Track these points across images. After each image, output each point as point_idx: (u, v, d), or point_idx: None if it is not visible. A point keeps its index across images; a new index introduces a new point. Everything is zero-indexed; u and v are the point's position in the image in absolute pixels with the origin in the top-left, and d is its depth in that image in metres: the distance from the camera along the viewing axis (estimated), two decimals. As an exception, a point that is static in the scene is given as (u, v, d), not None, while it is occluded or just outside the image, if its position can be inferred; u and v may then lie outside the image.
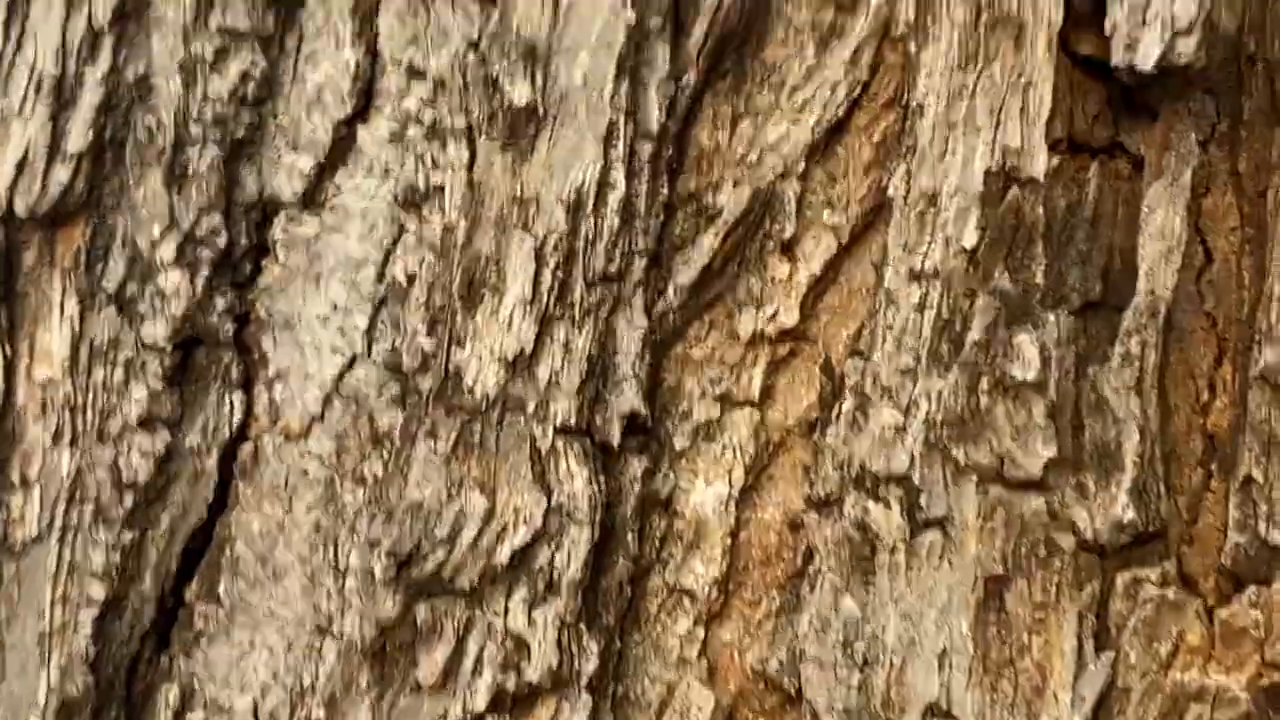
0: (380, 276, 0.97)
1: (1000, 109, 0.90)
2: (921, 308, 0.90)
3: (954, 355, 0.90)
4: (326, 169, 0.99)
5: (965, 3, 0.92)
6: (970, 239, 0.90)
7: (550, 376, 0.93)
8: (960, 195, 0.90)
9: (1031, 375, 0.89)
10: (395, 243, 0.98)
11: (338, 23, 1.00)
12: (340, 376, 0.97)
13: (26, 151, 0.99)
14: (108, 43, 1.00)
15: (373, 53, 0.99)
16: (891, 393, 0.90)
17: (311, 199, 0.99)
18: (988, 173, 0.90)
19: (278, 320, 0.99)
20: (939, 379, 0.90)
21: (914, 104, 0.92)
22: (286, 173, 1.00)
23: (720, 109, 0.97)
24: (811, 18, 0.97)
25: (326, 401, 0.97)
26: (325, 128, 0.99)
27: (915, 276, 0.91)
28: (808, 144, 0.95)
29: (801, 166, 0.95)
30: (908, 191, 0.92)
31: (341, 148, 0.99)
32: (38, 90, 1.00)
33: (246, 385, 0.99)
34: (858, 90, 0.95)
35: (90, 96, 1.00)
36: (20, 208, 0.99)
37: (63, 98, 1.00)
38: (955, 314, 0.90)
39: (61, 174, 0.99)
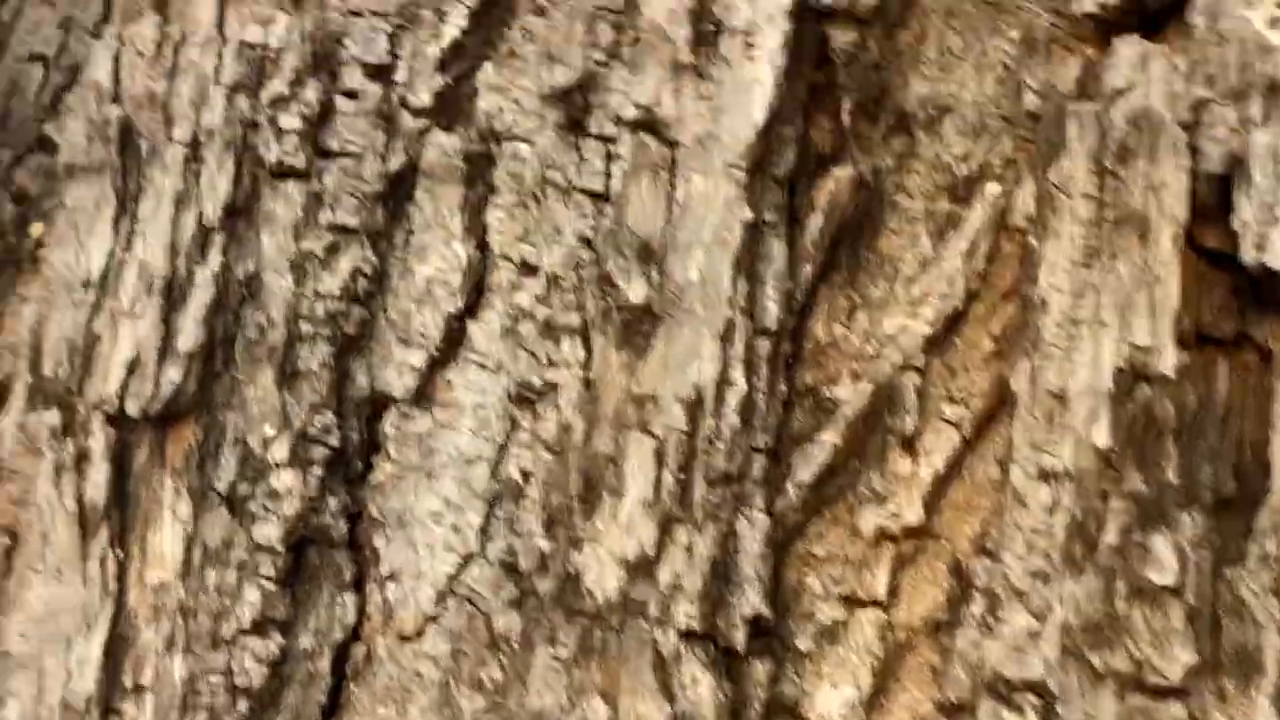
0: (493, 474, 0.96)
1: (1127, 305, 0.89)
2: (1053, 509, 0.89)
3: (1088, 558, 0.88)
4: (437, 364, 0.99)
5: (1088, 198, 0.91)
6: (1101, 438, 0.88)
7: (672, 579, 0.91)
8: (1089, 394, 0.89)
9: (1169, 579, 0.87)
10: (508, 440, 0.97)
11: (447, 217, 0.99)
12: (455, 576, 0.96)
13: (138, 352, 0.99)
14: (218, 240, 1.00)
15: (482, 247, 0.99)
16: (1024, 595, 0.89)
17: (423, 394, 0.99)
18: (1117, 370, 0.89)
19: (390, 518, 0.98)
20: (1073, 582, 0.88)
21: (1036, 298, 0.91)
22: (397, 368, 0.99)
23: (836, 301, 0.96)
24: (925, 208, 0.96)
25: (441, 601, 0.96)
26: (436, 323, 0.99)
27: (1045, 476, 0.89)
28: (927, 336, 0.94)
29: (921, 359, 0.94)
30: (1033, 389, 0.90)
31: (452, 342, 0.99)
32: (148, 290, 1.00)
33: (358, 584, 0.98)
34: (975, 282, 0.95)
35: (201, 295, 1.00)
36: (132, 408, 0.99)
37: (173, 296, 1.00)
38: (1088, 515, 0.88)
39: (173, 374, 0.99)
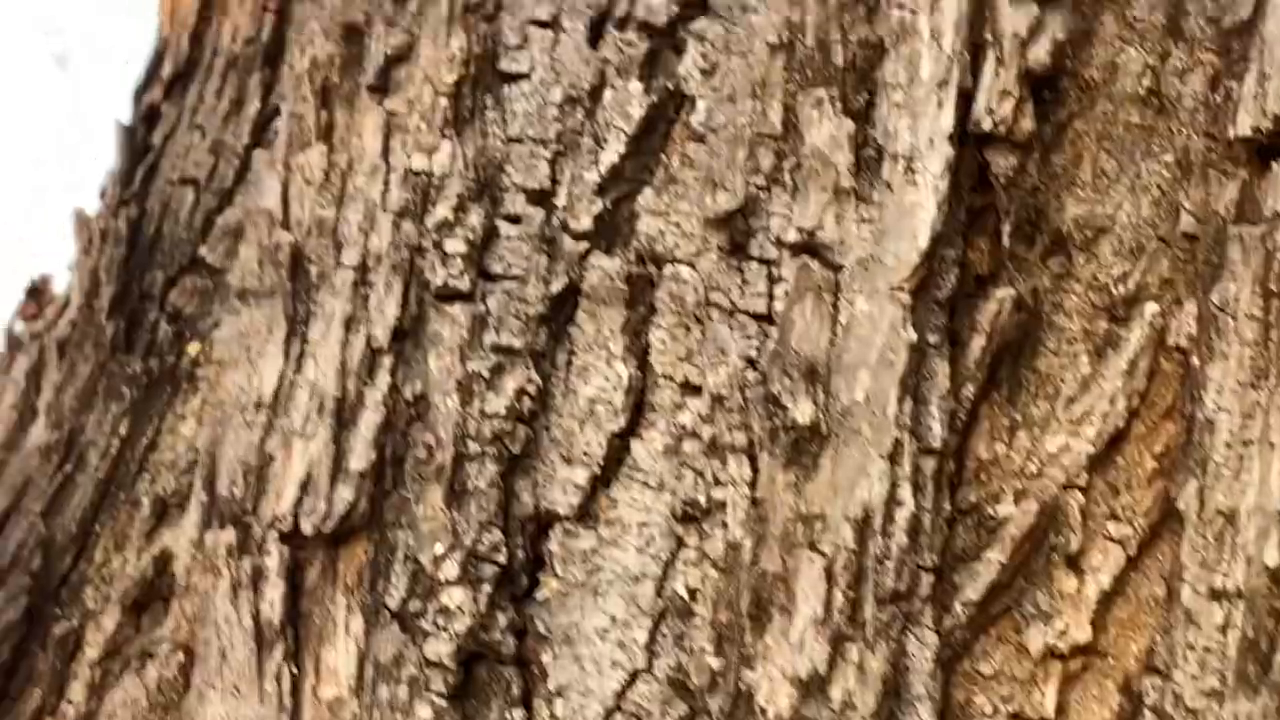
0: (659, 591, 0.98)
1: (1295, 425, 0.91)
2: (1225, 628, 0.90)
3: (1262, 677, 0.89)
4: (601, 482, 1.01)
5: (1252, 319, 0.92)
6: (1273, 558, 0.89)
7: (844, 697, 0.93)
8: (1260, 513, 0.90)
9: (1345, 698, 0.88)
10: (674, 557, 0.98)
11: (608, 338, 1.02)
12: (622, 692, 0.97)
13: (310, 471, 1.02)
14: (386, 362, 1.03)
15: (643, 367, 1.01)
16: (1197, 715, 0.90)
17: (587, 512, 1.01)
18: (1287, 491, 0.90)
19: (556, 634, 0.99)
20: (1247, 701, 0.89)
21: (1202, 418, 0.92)
22: (561, 486, 1.01)
23: (997, 420, 0.98)
24: (1084, 328, 0.98)
25: (609, 718, 0.97)
26: (599, 441, 1.01)
27: (1216, 596, 0.90)
28: (1089, 455, 0.96)
29: (1084, 478, 0.96)
30: (1202, 509, 0.91)
31: (615, 461, 1.01)
32: (319, 410, 1.02)
33: (526, 701, 0.99)
34: (1136, 401, 0.96)
35: (371, 416, 1.02)
36: (306, 527, 1.01)
37: (343, 417, 1.02)
38: (1260, 634, 0.89)
39: (345, 493, 1.01)
